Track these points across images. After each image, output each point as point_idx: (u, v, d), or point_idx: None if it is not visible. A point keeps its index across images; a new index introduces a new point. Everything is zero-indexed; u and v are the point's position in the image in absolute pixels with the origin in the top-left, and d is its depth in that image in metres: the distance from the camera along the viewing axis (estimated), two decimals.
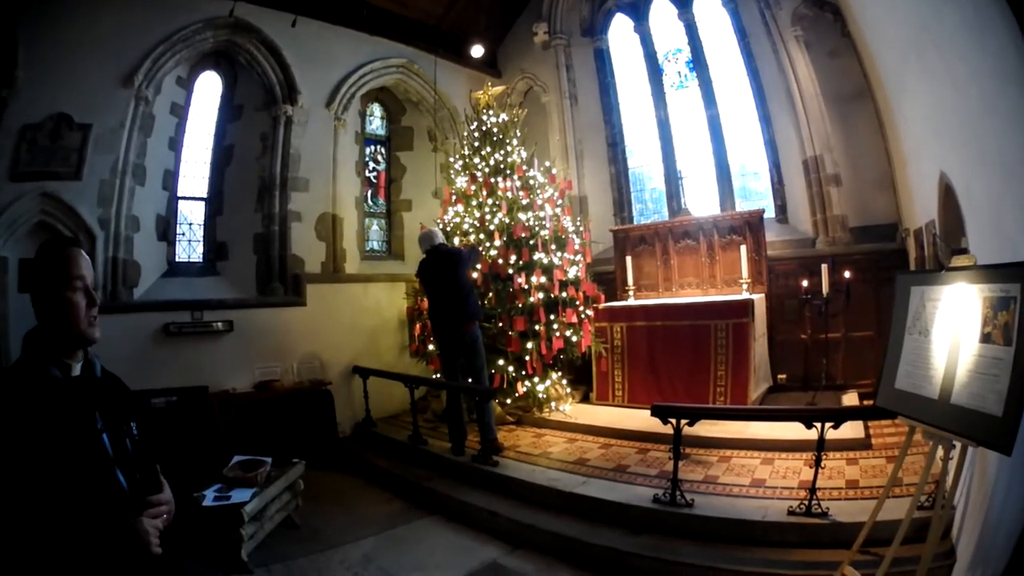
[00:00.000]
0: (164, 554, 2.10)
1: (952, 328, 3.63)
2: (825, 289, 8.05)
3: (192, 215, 9.75)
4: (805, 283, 8.36)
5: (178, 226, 9.55)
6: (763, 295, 9.18)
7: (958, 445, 3.45)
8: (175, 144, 9.33)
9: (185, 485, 5.51)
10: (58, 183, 7.67)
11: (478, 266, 8.76)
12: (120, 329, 7.79)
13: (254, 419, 8.44)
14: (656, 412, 5.84)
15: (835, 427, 5.17)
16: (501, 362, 8.62)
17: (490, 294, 8.87)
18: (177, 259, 9.44)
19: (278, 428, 8.51)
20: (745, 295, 8.88)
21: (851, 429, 6.31)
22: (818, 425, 5.14)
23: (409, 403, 8.49)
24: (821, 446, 5.14)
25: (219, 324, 8.82)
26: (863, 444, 6.59)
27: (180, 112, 9.38)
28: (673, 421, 5.72)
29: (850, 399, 8.20)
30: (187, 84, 9.44)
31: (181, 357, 8.42)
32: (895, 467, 4.30)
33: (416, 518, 6.79)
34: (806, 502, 5.12)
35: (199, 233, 9.78)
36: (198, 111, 9.71)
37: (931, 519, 3.73)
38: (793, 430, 5.69)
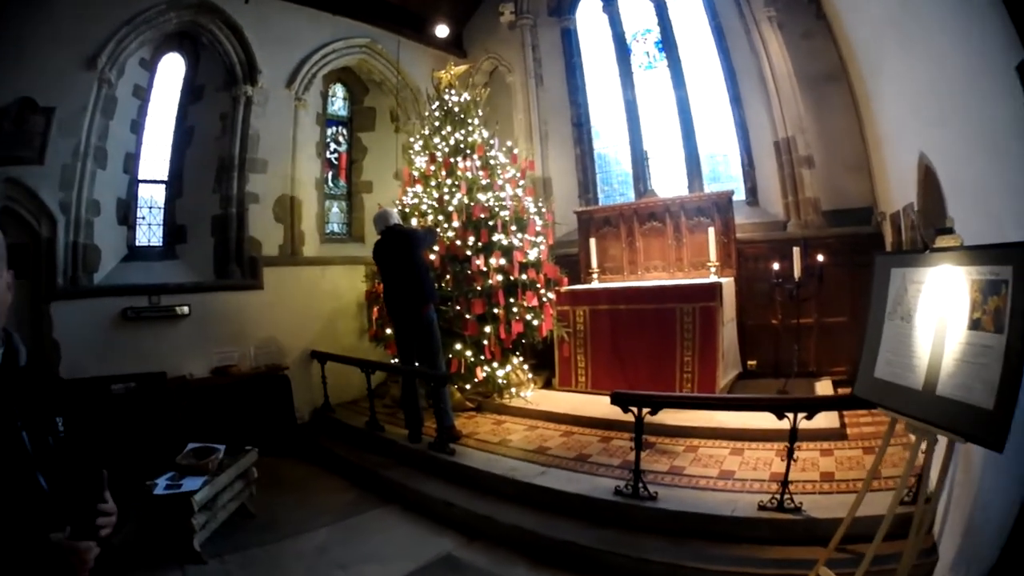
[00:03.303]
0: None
1: (937, 313, 3.21)
2: (797, 273, 7.55)
3: (153, 198, 9.27)
4: (776, 266, 7.85)
5: (138, 210, 9.07)
6: (732, 279, 8.66)
7: (943, 440, 3.07)
8: (137, 127, 8.87)
9: (140, 473, 5.38)
10: (21, 168, 7.30)
11: (435, 247, 8.22)
12: (80, 315, 7.59)
13: (211, 405, 7.97)
14: (616, 400, 5.33)
15: (808, 418, 4.64)
16: (458, 346, 8.10)
17: (447, 276, 8.32)
18: (137, 243, 8.98)
19: (235, 414, 8.03)
20: (713, 278, 8.38)
21: (825, 419, 5.87)
22: (790, 416, 4.61)
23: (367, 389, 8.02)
24: (794, 438, 4.64)
25: (177, 309, 8.40)
26: (838, 434, 6.11)
27: (143, 94, 8.89)
28: (634, 410, 5.19)
29: (823, 387, 7.76)
30: (150, 66, 8.95)
31: (140, 342, 8.04)
32: (875, 461, 3.86)
33: (372, 507, 6.41)
34: (778, 496, 4.66)
35: (160, 216, 9.29)
36: (161, 93, 9.21)
37: (912, 515, 3.31)
38: (764, 419, 5.17)
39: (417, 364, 7.31)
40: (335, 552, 5.43)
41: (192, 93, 9.36)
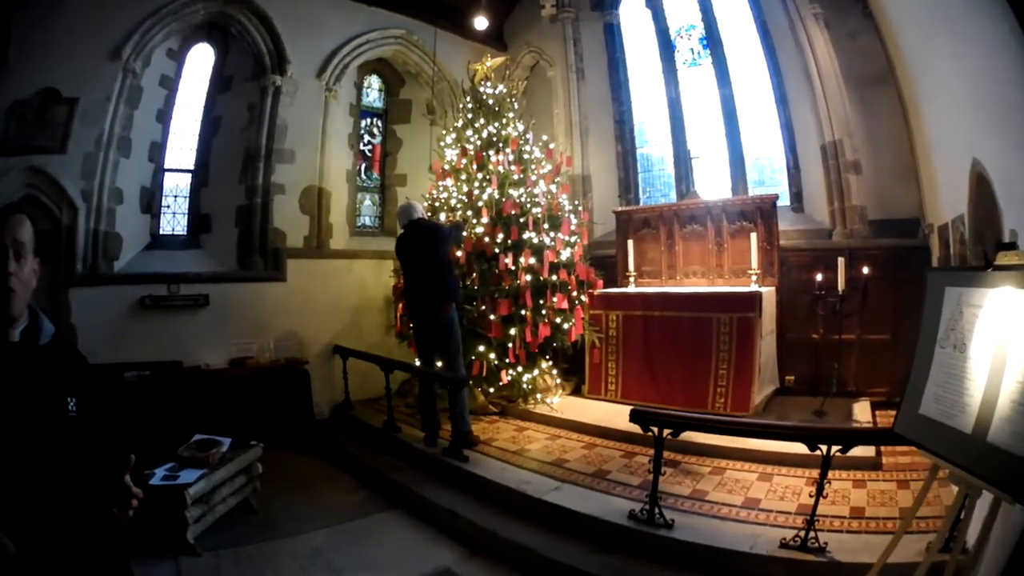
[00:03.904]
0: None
1: (996, 344, 2.69)
2: (841, 285, 6.97)
3: (179, 187, 9.15)
4: (819, 277, 7.28)
5: (163, 198, 8.97)
6: (773, 288, 8.06)
7: (989, 495, 2.56)
8: (164, 116, 8.77)
9: (144, 461, 4.96)
10: (44, 157, 7.31)
11: (462, 244, 7.83)
12: (98, 302, 7.55)
13: (226, 396, 7.76)
14: (636, 418, 4.81)
15: (843, 451, 4.09)
16: (481, 348, 7.67)
17: (473, 275, 7.91)
18: (161, 232, 8.92)
19: (251, 407, 7.84)
20: (754, 287, 7.80)
21: (860, 447, 5.26)
22: (823, 447, 4.07)
23: (394, 386, 7.75)
24: (825, 472, 4.09)
25: (196, 298, 8.28)
26: (872, 464, 5.53)
27: (170, 84, 8.78)
28: (655, 429, 4.68)
29: (862, 408, 7.13)
30: (178, 56, 8.85)
31: (157, 331, 7.94)
32: (912, 508, 3.37)
33: (377, 511, 6.13)
34: (802, 534, 4.10)
35: (184, 205, 9.17)
36: (189, 83, 9.08)
37: (945, 564, 2.87)
38: (797, 443, 4.61)
39: (439, 365, 6.97)
40: (331, 555, 5.21)
41: (220, 83, 9.23)
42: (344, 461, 7.50)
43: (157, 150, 8.73)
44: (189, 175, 9.16)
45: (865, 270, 7.09)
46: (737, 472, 5.70)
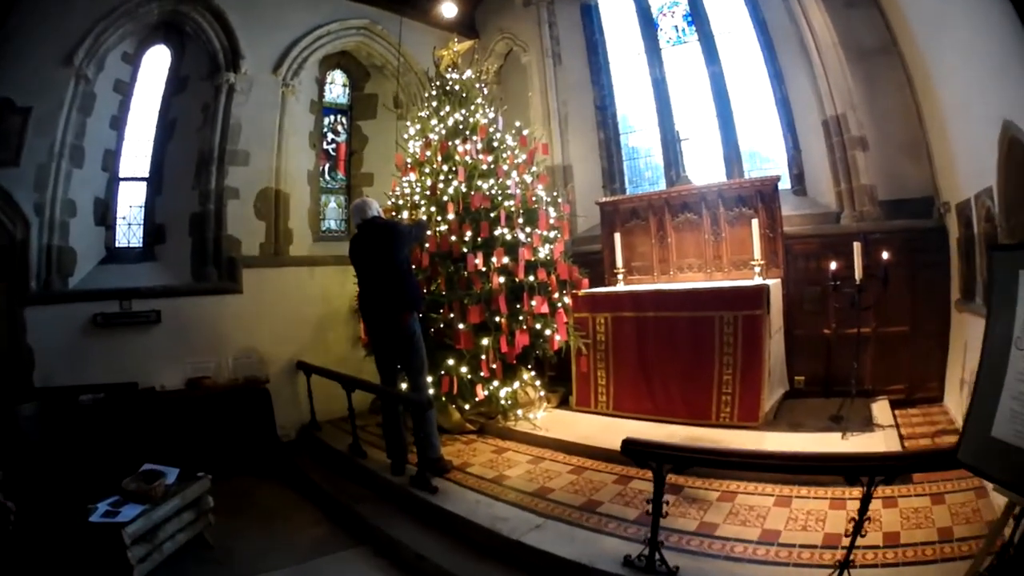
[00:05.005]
0: None
1: None
2: (858, 274, 6.09)
3: (134, 197, 8.52)
4: (833, 266, 6.41)
5: (117, 209, 8.37)
6: (779, 280, 7.20)
7: None
8: (118, 123, 8.26)
9: (92, 493, 4.91)
10: None
11: (426, 244, 7.01)
12: (52, 320, 7.16)
13: (183, 420, 7.13)
14: (630, 451, 3.94)
15: (887, 482, 3.23)
16: (451, 361, 6.80)
17: (439, 278, 7.06)
18: (117, 244, 8.33)
19: (210, 431, 7.20)
20: (758, 280, 6.94)
21: (885, 448, 5.03)
22: (865, 481, 3.17)
23: (367, 403, 7.26)
24: (866, 507, 3.20)
25: (148, 315, 7.67)
26: (903, 477, 4.65)
27: (125, 89, 8.30)
28: (653, 465, 3.77)
29: (881, 409, 6.34)
30: (133, 60, 8.35)
31: (111, 350, 7.41)
32: (978, 559, 2.62)
33: (340, 548, 5.43)
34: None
35: (140, 216, 8.53)
36: (144, 87, 8.53)
37: None
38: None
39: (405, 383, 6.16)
40: None
41: (176, 85, 8.65)
42: (308, 489, 6.75)
43: (111, 158, 8.21)
44: (144, 184, 8.53)
45: (885, 256, 6.21)
46: (750, 496, 4.83)
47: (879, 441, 5.47)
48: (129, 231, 8.45)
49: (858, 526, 3.20)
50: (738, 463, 4.24)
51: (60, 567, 4.55)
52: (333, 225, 9.98)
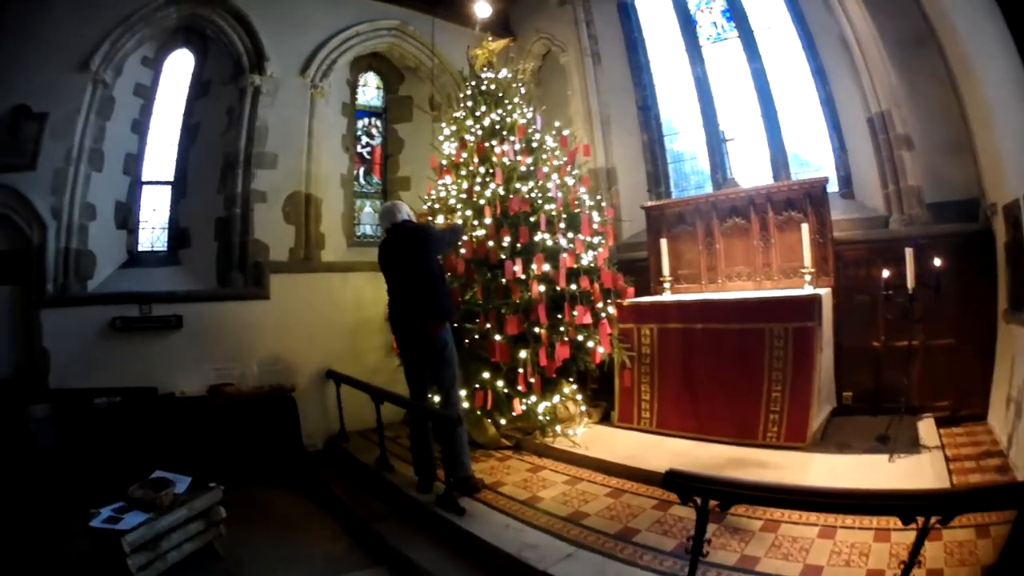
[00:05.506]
0: None
1: None
2: (910, 282, 5.63)
3: (158, 200, 8.47)
4: (886, 274, 5.92)
5: (141, 212, 8.36)
6: (829, 290, 6.68)
7: None
8: (140, 127, 8.32)
9: (98, 498, 4.80)
10: (14, 175, 7.13)
11: (461, 250, 6.64)
12: (69, 323, 7.17)
13: (203, 427, 7.00)
14: (672, 484, 3.51)
15: (943, 522, 2.82)
16: (487, 375, 6.41)
17: (475, 286, 6.65)
18: (140, 248, 8.38)
19: (231, 438, 7.05)
20: (808, 289, 6.44)
21: (932, 474, 4.74)
22: (920, 520, 2.79)
23: (400, 414, 6.85)
24: (919, 547, 2.82)
25: (168, 319, 7.61)
26: None
27: (146, 93, 8.36)
28: (698, 500, 3.36)
29: (927, 428, 5.88)
30: (154, 64, 8.42)
31: (131, 355, 7.36)
32: None
33: (355, 567, 5.16)
34: None
35: (165, 220, 8.47)
36: (167, 91, 8.56)
37: None
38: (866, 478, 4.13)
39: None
40: None
41: (199, 88, 8.63)
42: (329, 502, 6.49)
43: (133, 162, 8.22)
44: (168, 187, 8.44)
45: (937, 262, 5.76)
46: (794, 526, 4.36)
47: (926, 464, 5.05)
48: (153, 235, 8.42)
49: (908, 569, 2.79)
50: (789, 501, 3.81)
51: (61, 569, 4.57)
52: (368, 230, 9.71)
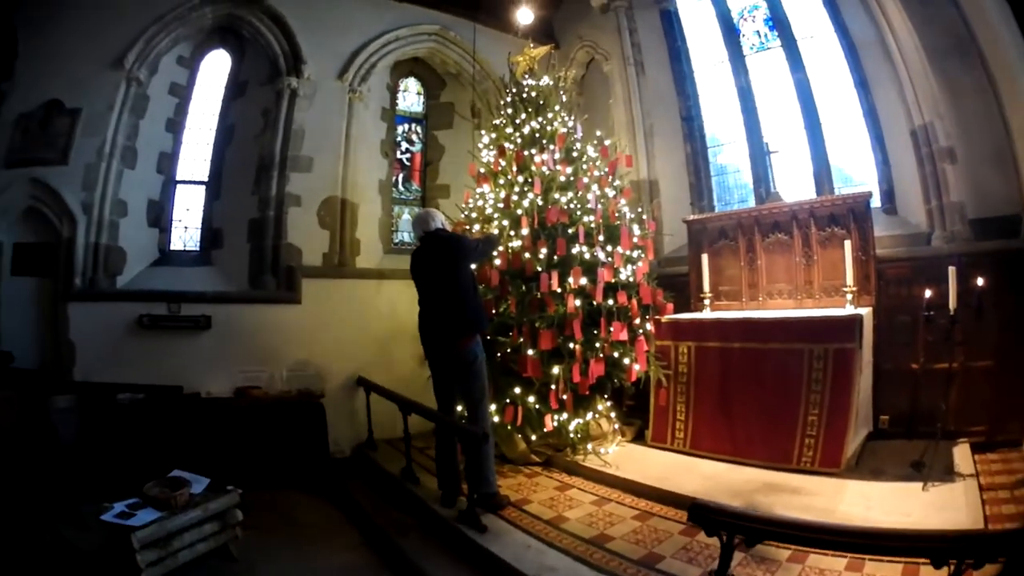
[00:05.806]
0: None
1: None
2: (952, 302, 5.37)
3: (191, 200, 8.50)
4: (928, 293, 5.70)
5: (174, 211, 8.40)
6: (871, 309, 6.42)
7: None
8: (175, 126, 8.40)
9: (114, 492, 4.83)
10: (45, 168, 7.24)
11: (496, 261, 6.48)
12: (96, 318, 7.24)
13: (228, 428, 6.95)
14: (697, 517, 3.37)
15: (976, 566, 2.63)
16: (518, 390, 6.24)
17: (509, 299, 6.50)
18: (172, 247, 8.43)
19: (255, 441, 6.99)
20: (849, 309, 6.21)
21: (965, 504, 4.49)
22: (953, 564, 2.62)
23: (431, 426, 6.46)
24: None
25: (197, 319, 7.65)
26: None
27: (181, 93, 8.46)
28: (723, 535, 3.20)
29: (962, 455, 5.62)
30: (191, 64, 8.52)
31: (158, 353, 7.42)
32: None
33: None
34: None
35: (198, 219, 8.49)
36: (203, 91, 8.64)
37: None
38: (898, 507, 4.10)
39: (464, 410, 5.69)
40: None
41: (235, 89, 8.69)
42: (351, 510, 6.43)
43: (167, 161, 8.29)
44: (203, 187, 8.47)
45: (980, 282, 5.53)
46: (823, 557, 4.10)
47: (959, 494, 4.80)
48: (185, 234, 8.45)
49: None
50: (818, 540, 3.62)
51: (73, 560, 4.55)
52: (406, 237, 9.59)
